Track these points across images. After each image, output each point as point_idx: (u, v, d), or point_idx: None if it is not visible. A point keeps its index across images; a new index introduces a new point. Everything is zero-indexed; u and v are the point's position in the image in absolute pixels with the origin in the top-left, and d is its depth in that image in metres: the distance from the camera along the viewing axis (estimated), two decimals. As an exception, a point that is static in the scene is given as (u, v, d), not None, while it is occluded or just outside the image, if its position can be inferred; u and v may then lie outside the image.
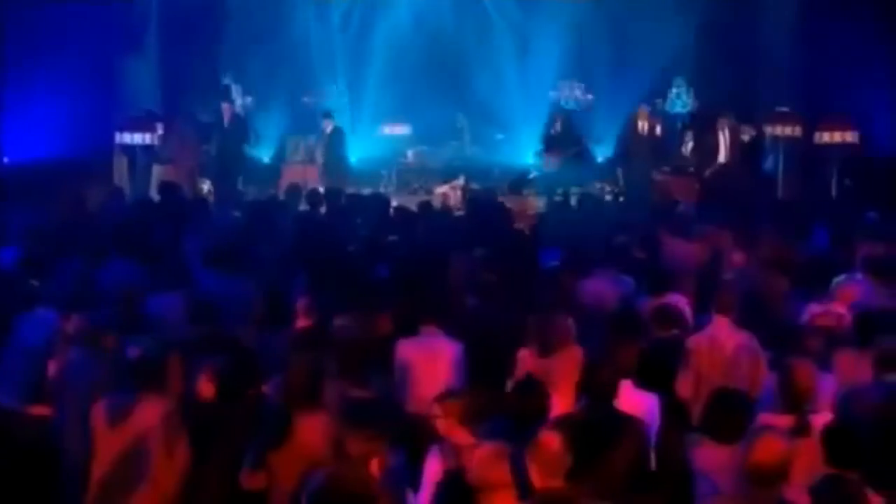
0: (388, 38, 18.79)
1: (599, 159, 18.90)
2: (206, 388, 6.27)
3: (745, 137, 17.42)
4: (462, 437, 5.55)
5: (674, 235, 10.63)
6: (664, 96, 19.21)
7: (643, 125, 17.17)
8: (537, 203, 16.44)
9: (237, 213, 11.93)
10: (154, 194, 14.85)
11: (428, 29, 18.72)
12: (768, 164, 17.74)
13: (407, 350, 7.31)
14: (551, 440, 4.80)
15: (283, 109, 18.48)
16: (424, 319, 7.42)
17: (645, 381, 6.70)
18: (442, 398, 5.74)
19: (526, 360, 7.25)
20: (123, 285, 8.78)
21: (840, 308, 8.35)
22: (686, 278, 9.41)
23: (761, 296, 8.70)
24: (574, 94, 19.40)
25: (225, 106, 16.24)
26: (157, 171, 16.32)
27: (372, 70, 18.89)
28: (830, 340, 7.53)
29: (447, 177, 17.99)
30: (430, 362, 7.24)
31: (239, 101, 18.37)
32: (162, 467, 5.75)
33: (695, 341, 7.39)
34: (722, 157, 17.03)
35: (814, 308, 8.59)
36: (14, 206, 13.83)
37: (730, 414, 5.64)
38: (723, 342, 7.33)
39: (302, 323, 7.64)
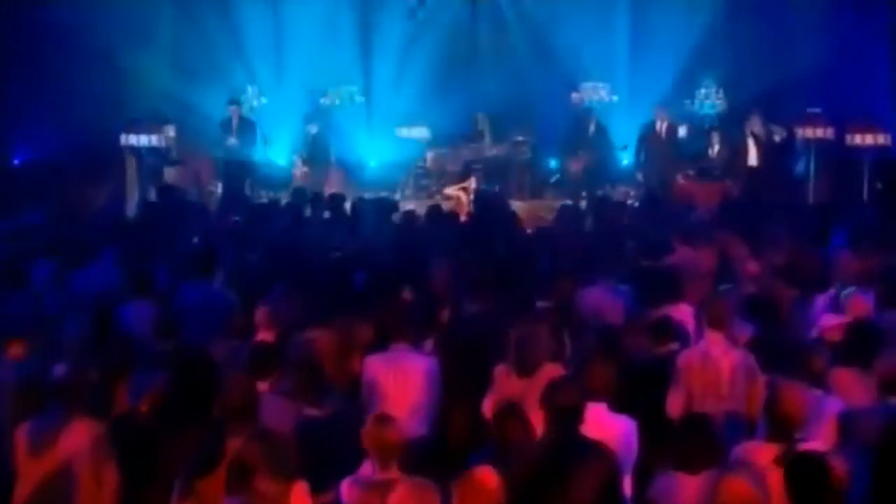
0: (405, 38, 18.37)
1: (624, 162, 18.39)
2: (146, 408, 5.84)
3: (777, 138, 16.79)
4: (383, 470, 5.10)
5: (685, 242, 10.05)
6: (692, 97, 18.60)
7: (661, 127, 16.54)
8: (555, 206, 15.98)
9: (236, 218, 11.50)
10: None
11: (446, 29, 18.32)
12: (799, 167, 17.10)
13: (374, 367, 6.83)
14: (486, 476, 4.31)
15: (299, 111, 18.04)
16: (394, 334, 6.93)
17: (624, 404, 6.17)
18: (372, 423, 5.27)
19: (503, 378, 6.76)
20: (97, 291, 8.44)
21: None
22: (695, 287, 8.90)
23: (770, 307, 8.13)
24: (598, 96, 18.79)
25: (232, 108, 15.82)
26: (168, 174, 16.06)
27: (389, 71, 18.44)
28: (835, 357, 7.00)
29: (466, 180, 17.59)
30: (400, 379, 6.75)
31: (255, 103, 18.04)
32: (90, 495, 5.31)
33: (686, 358, 6.85)
34: (752, 159, 16.40)
35: (827, 320, 8.08)
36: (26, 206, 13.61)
37: (694, 442, 5.13)
38: (716, 359, 6.78)
39: (262, 335, 7.18)
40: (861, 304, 7.88)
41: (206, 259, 8.82)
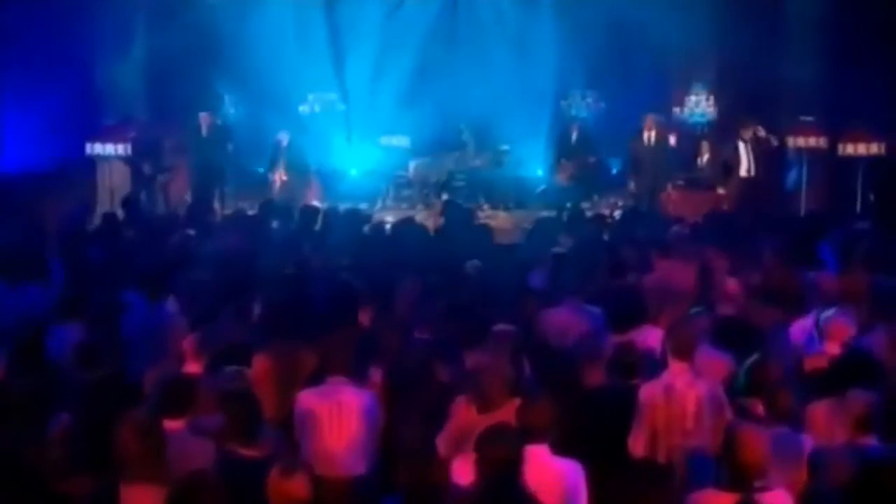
0: (386, 44, 17.91)
1: (614, 171, 17.88)
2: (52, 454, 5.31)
3: (774, 142, 16.23)
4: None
5: (662, 258, 9.52)
6: (682, 104, 18.08)
7: (650, 135, 15.95)
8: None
9: (191, 232, 10.96)
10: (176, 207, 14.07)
11: (428, 35, 17.90)
12: (791, 177, 16.57)
13: (308, 402, 6.29)
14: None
15: (278, 119, 17.53)
16: (333, 365, 6.38)
17: (579, 442, 5.64)
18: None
19: (462, 412, 6.18)
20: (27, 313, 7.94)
21: (833, 348, 7.24)
22: (669, 309, 8.38)
23: (747, 331, 7.58)
24: (585, 104, 18.29)
25: (203, 115, 15.26)
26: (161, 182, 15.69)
27: (370, 78, 17.98)
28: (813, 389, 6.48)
29: (446, 191, 17.09)
30: (335, 415, 6.21)
31: (231, 111, 17.57)
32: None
33: (648, 392, 6.30)
34: (744, 169, 15.84)
35: (806, 346, 7.56)
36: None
37: (640, 489, 4.61)
38: (681, 393, 6.24)
39: (190, 366, 6.64)
40: (841, 328, 7.31)
41: (153, 279, 8.22)
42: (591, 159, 16.85)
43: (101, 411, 5.66)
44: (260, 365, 6.98)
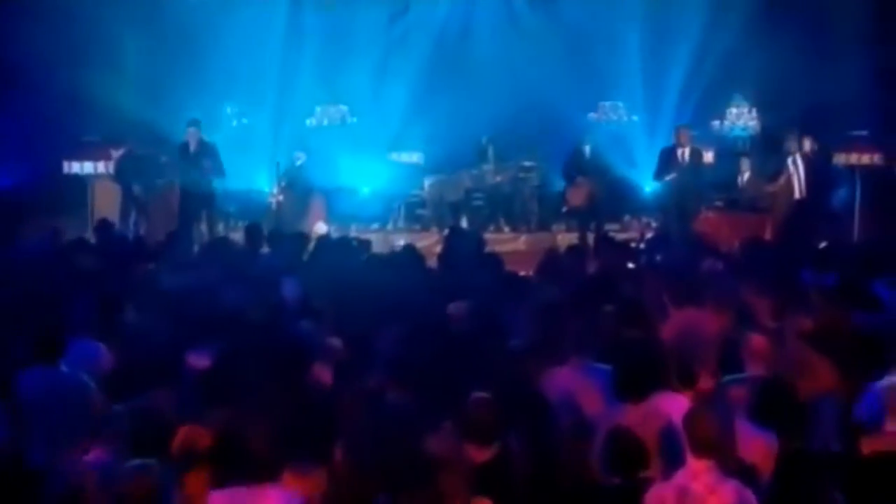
0: (401, 54, 16.90)
1: (647, 189, 16.46)
2: None
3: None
4: None
5: (680, 304, 8.02)
6: (722, 117, 16.62)
7: (683, 152, 14.41)
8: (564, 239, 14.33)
9: (151, 266, 9.63)
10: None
11: (438, 42, 16.89)
12: (840, 196, 15.08)
13: (216, 506, 4.91)
14: None
15: (282, 132, 16.33)
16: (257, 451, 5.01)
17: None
18: None
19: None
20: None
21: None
22: (689, 369, 6.92)
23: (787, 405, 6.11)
24: (616, 116, 16.89)
25: (191, 131, 13.93)
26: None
27: (384, 90, 16.81)
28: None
29: (464, 211, 15.78)
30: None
31: (234, 123, 16.41)
32: None
33: (656, 497, 4.88)
34: (796, 190, 14.34)
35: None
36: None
37: None
38: (701, 499, 4.80)
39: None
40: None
41: (47, 335, 6.70)
42: (611, 175, 15.29)
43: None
44: (186, 440, 5.62)
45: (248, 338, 7.23)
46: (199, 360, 6.82)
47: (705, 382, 6.80)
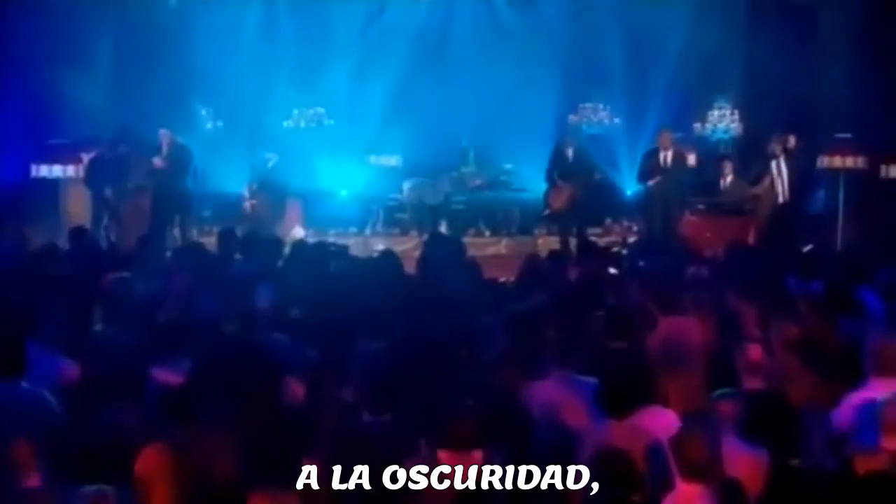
0: (380, 55, 16.56)
1: (629, 192, 16.29)
2: None
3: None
4: None
5: (665, 311, 7.79)
6: (703, 120, 16.70)
7: (665, 155, 14.25)
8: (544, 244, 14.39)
9: (125, 275, 9.32)
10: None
11: (417, 43, 16.61)
12: (819, 197, 14.95)
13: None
14: None
15: (258, 134, 16.09)
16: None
17: None
18: None
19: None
20: None
21: (892, 443, 5.54)
22: (676, 382, 6.70)
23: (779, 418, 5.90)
24: (598, 118, 16.72)
25: (163, 132, 13.65)
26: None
27: (361, 91, 16.53)
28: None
29: (443, 215, 15.57)
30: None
31: (209, 126, 16.12)
32: None
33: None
34: (779, 193, 14.20)
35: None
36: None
37: None
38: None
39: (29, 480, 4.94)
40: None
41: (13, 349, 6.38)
42: (595, 178, 15.06)
43: None
44: (149, 461, 5.35)
45: (218, 350, 6.96)
46: (164, 375, 6.56)
47: (693, 396, 6.61)
